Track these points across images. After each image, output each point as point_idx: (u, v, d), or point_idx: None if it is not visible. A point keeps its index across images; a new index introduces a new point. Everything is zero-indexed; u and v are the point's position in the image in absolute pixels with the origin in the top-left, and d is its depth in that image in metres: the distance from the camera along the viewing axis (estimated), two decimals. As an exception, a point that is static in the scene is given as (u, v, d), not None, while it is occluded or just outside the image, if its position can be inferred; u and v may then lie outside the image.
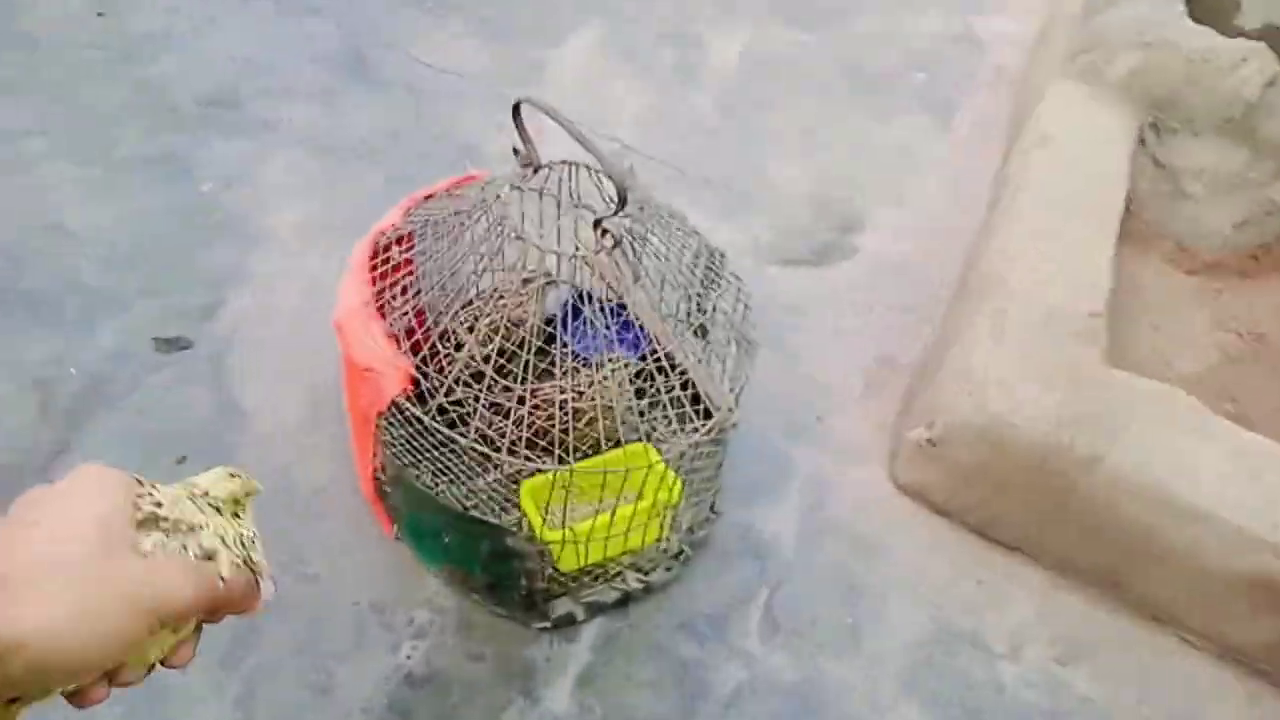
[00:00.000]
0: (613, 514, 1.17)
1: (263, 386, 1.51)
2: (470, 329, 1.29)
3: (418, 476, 1.20)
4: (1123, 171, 1.81)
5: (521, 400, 1.10)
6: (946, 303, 1.84)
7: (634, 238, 1.13)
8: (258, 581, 0.55)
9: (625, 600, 1.32)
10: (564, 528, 1.17)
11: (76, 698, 0.44)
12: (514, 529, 1.22)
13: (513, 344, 1.24)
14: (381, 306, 1.16)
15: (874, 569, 1.43)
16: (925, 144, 2.23)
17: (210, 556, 0.51)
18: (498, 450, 1.09)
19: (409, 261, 1.22)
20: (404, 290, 1.17)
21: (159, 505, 0.49)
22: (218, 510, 0.55)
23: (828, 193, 2.05)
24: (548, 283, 1.34)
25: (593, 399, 1.24)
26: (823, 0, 2.59)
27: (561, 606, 1.29)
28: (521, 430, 1.10)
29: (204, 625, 0.52)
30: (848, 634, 1.36)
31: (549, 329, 1.32)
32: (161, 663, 0.50)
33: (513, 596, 1.29)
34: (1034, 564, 1.46)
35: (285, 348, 1.57)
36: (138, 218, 1.73)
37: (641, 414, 1.37)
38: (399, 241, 1.23)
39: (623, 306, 1.22)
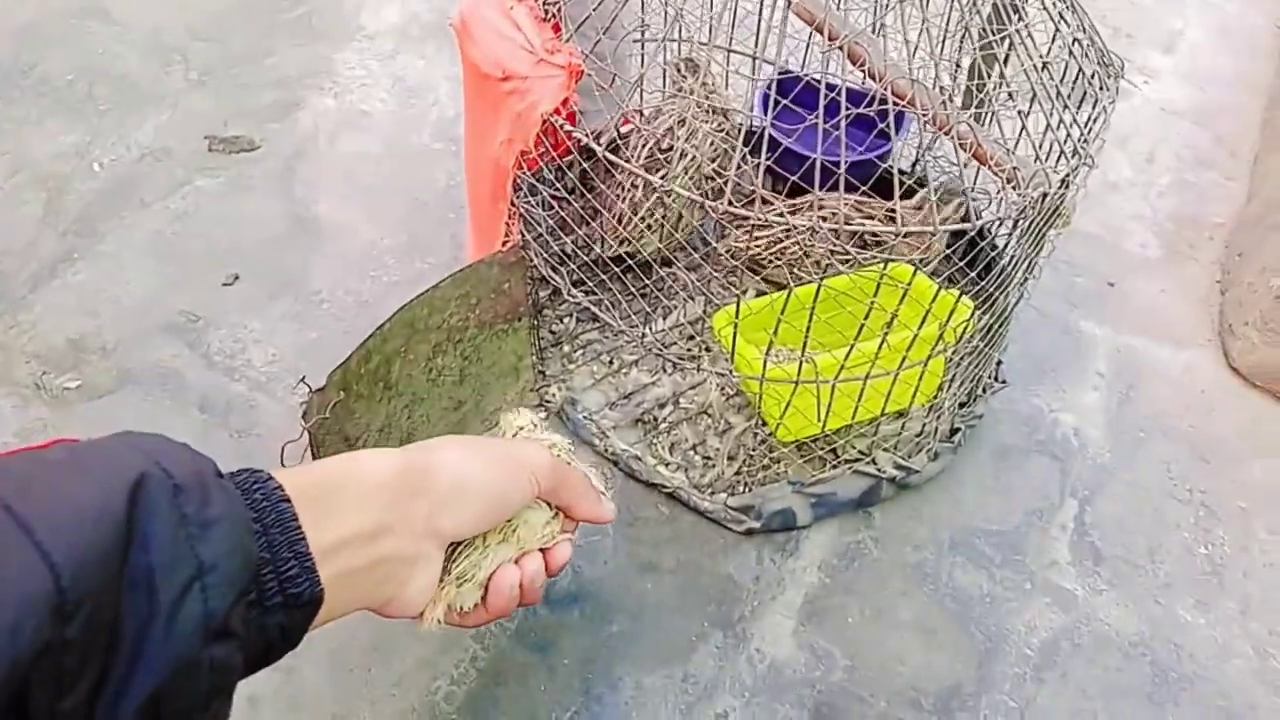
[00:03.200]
0: (882, 342, 0.72)
1: (347, 201, 1.11)
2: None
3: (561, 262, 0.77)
4: None
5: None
6: (1251, 155, 1.37)
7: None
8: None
9: (866, 501, 0.87)
10: (802, 359, 0.73)
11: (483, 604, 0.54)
12: (708, 367, 0.78)
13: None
14: (535, -12, 0.73)
15: (1224, 483, 0.95)
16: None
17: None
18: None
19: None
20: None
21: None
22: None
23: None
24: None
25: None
26: None
27: (776, 499, 0.84)
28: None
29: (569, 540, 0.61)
30: (1206, 572, 0.88)
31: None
32: (545, 555, 0.58)
33: (704, 478, 0.86)
34: None
35: (378, 159, 1.16)
36: (196, 6, 1.34)
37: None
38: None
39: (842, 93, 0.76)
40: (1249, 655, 0.83)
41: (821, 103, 0.66)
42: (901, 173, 1.10)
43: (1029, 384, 1.02)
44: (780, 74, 1.08)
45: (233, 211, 1.08)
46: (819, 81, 0.69)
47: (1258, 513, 0.93)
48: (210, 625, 0.31)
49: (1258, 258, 1.14)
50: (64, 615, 0.27)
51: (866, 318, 0.69)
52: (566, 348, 0.96)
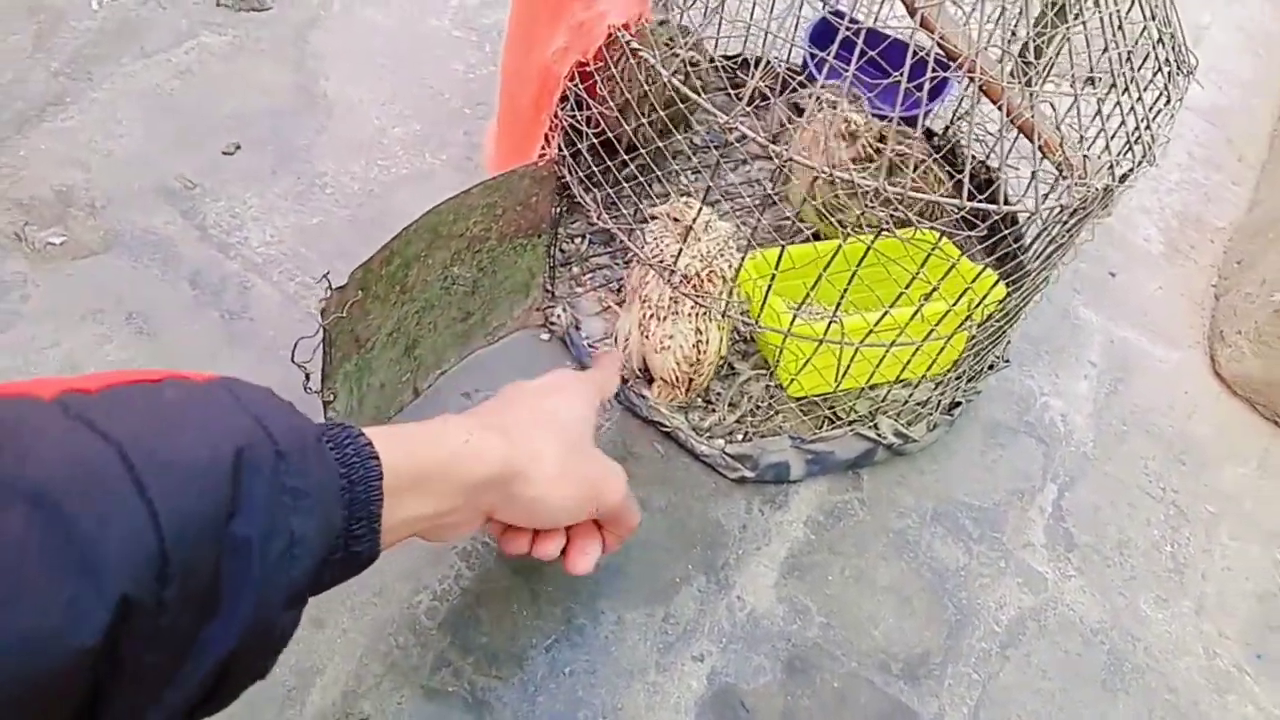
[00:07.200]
0: (916, 312, 0.71)
1: (358, 80, 1.05)
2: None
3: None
4: None
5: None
6: (1259, 161, 1.38)
7: None
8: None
9: (859, 463, 0.88)
10: (833, 318, 0.72)
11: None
12: (731, 314, 0.76)
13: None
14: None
15: (1196, 485, 0.98)
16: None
17: None
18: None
19: None
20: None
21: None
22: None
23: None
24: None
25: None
26: None
27: (775, 452, 0.84)
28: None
29: None
30: (1169, 569, 0.91)
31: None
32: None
33: (704, 422, 0.85)
34: None
35: (392, 35, 1.10)
36: None
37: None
38: None
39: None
40: (1198, 653, 0.86)
41: (857, 49, 0.63)
42: (931, 134, 1.08)
43: (1025, 364, 1.02)
44: (829, 12, 1.04)
45: (238, 75, 1.02)
46: (858, 25, 0.65)
47: (1224, 518, 0.96)
48: (293, 593, 0.33)
49: (1259, 268, 1.15)
50: (164, 579, 0.28)
51: (908, 286, 0.68)
52: (576, 269, 0.94)
